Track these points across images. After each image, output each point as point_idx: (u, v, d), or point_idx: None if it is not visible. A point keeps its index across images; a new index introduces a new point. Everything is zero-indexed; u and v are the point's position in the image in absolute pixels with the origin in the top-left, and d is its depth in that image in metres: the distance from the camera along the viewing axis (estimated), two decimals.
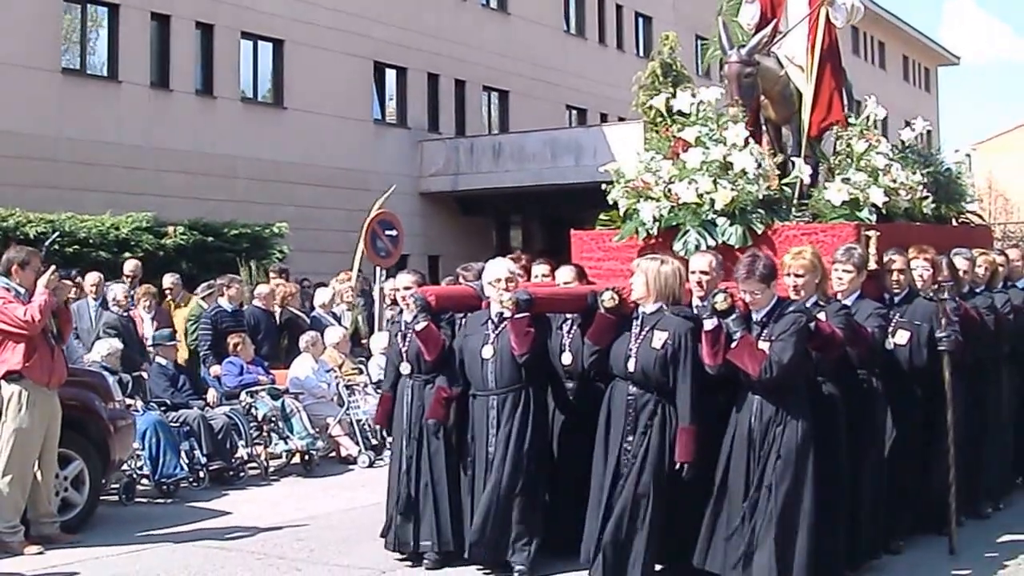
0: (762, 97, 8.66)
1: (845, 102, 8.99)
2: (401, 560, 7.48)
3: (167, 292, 13.68)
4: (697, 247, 7.67)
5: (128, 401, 10.13)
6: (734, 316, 6.40)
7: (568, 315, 7.33)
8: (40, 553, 7.85)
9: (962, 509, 7.85)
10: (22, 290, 8.10)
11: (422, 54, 27.65)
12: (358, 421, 12.03)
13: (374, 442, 11.95)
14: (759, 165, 7.95)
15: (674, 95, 8.61)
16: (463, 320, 7.55)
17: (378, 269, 15.67)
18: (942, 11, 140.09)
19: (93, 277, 12.49)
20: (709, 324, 6.41)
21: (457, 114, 29.25)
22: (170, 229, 17.01)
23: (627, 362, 6.69)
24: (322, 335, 12.79)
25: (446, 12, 28.52)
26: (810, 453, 6.36)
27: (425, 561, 7.34)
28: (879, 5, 45.53)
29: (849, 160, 8.49)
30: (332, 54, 25.18)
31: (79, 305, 11.74)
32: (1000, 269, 9.12)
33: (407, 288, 7.75)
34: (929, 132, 10.16)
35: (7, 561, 7.67)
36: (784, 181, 8.24)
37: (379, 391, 9.32)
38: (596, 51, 33.59)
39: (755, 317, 6.53)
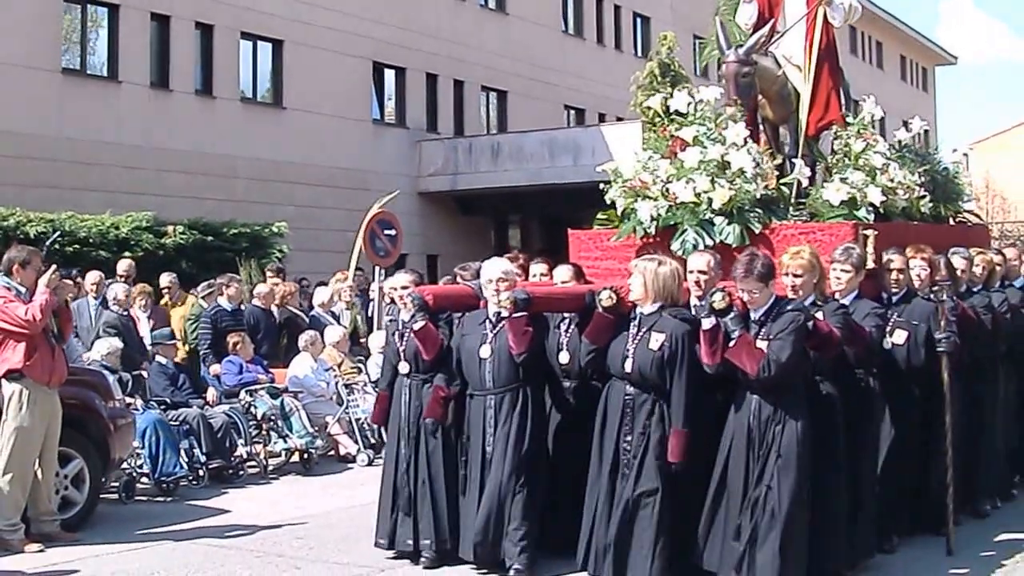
0: (760, 97, 8.69)
1: (842, 102, 9.02)
2: (399, 558, 7.48)
3: (164, 291, 13.69)
4: (695, 246, 7.69)
5: (128, 400, 10.15)
6: (732, 315, 6.40)
7: (566, 314, 7.34)
8: (40, 551, 7.87)
9: (960, 508, 7.87)
10: (23, 289, 8.12)
11: (421, 54, 27.67)
12: (357, 420, 12.05)
13: (373, 441, 11.96)
14: (757, 164, 7.97)
15: (672, 95, 8.63)
16: (460, 320, 7.55)
17: (377, 268, 15.69)
18: (939, 11, 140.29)
19: (93, 276, 12.51)
20: (707, 323, 6.41)
21: (456, 114, 29.26)
22: (170, 229, 17.02)
23: (624, 363, 6.70)
24: (321, 334, 12.82)
25: (445, 12, 28.54)
26: (809, 452, 6.36)
27: (423, 559, 7.34)
28: (876, 5, 45.53)
29: (847, 159, 8.52)
30: (331, 54, 25.20)
31: (79, 304, 11.75)
32: (997, 268, 9.13)
33: (404, 287, 7.74)
34: (926, 132, 10.19)
35: (8, 559, 7.69)
36: (782, 180, 8.27)
37: (378, 390, 9.33)
38: (594, 51, 33.61)
39: (753, 316, 6.53)
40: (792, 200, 8.27)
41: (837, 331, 6.67)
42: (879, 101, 9.16)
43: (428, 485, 7.37)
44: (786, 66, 8.84)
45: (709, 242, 7.73)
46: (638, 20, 35.54)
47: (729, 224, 7.81)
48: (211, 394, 11.58)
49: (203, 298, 13.03)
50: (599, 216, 8.76)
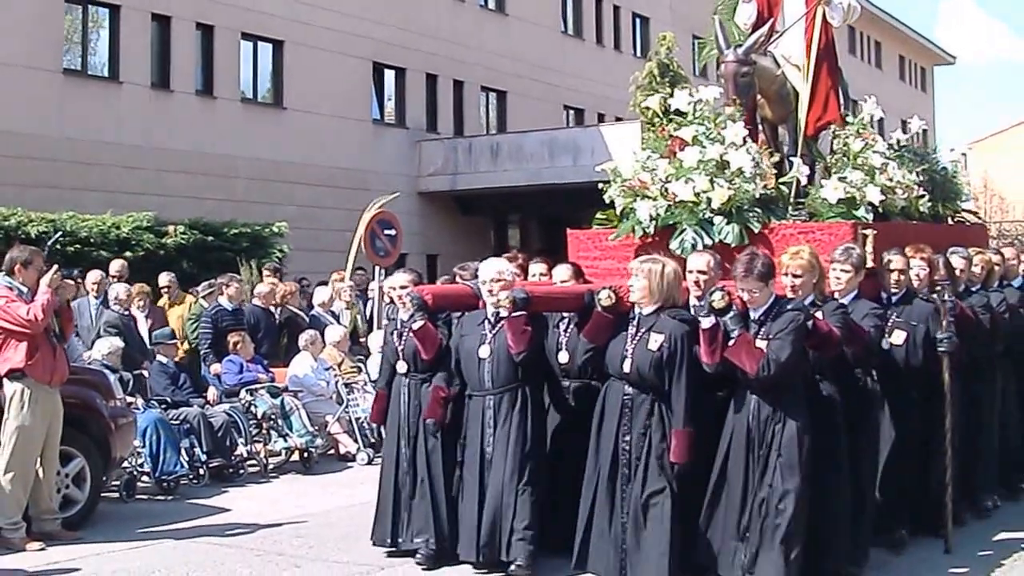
0: (759, 96, 8.70)
1: (841, 101, 9.04)
2: (399, 557, 7.49)
3: (163, 291, 13.71)
4: (694, 246, 7.69)
5: (129, 399, 10.16)
6: (732, 314, 6.40)
7: (565, 314, 7.35)
8: (42, 549, 7.89)
9: (962, 507, 7.90)
10: (25, 289, 8.14)
11: (421, 55, 27.68)
12: (357, 419, 12.07)
13: (372, 440, 11.97)
14: (756, 164, 7.97)
15: (671, 95, 8.64)
16: (459, 320, 7.55)
17: (377, 268, 15.72)
18: (938, 11, 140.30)
19: (94, 276, 12.54)
20: (706, 322, 6.41)
21: (455, 114, 29.28)
22: (170, 228, 17.04)
23: (623, 363, 6.69)
24: (321, 334, 12.84)
25: (444, 13, 28.56)
26: (809, 451, 6.36)
27: (418, 556, 7.34)
28: (875, 5, 45.52)
29: (846, 159, 8.52)
30: (331, 55, 25.22)
31: (79, 303, 11.78)
32: (996, 268, 9.13)
33: (403, 287, 7.74)
34: (925, 131, 10.20)
35: (9, 557, 7.71)
36: (781, 180, 8.27)
37: (375, 388, 9.34)
38: (594, 51, 33.63)
39: (753, 315, 6.53)
40: (791, 199, 8.27)
41: (837, 331, 6.67)
42: (878, 101, 9.17)
43: (427, 484, 7.38)
44: (785, 66, 8.85)
45: (708, 241, 7.73)
46: (637, 20, 35.56)
47: (728, 223, 7.81)
48: (211, 393, 11.60)
49: (204, 298, 13.05)
50: (598, 216, 8.75)
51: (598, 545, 6.74)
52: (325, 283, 15.45)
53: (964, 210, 10.35)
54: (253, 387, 11.68)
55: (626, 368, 6.67)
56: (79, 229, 15.86)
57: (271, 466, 11.25)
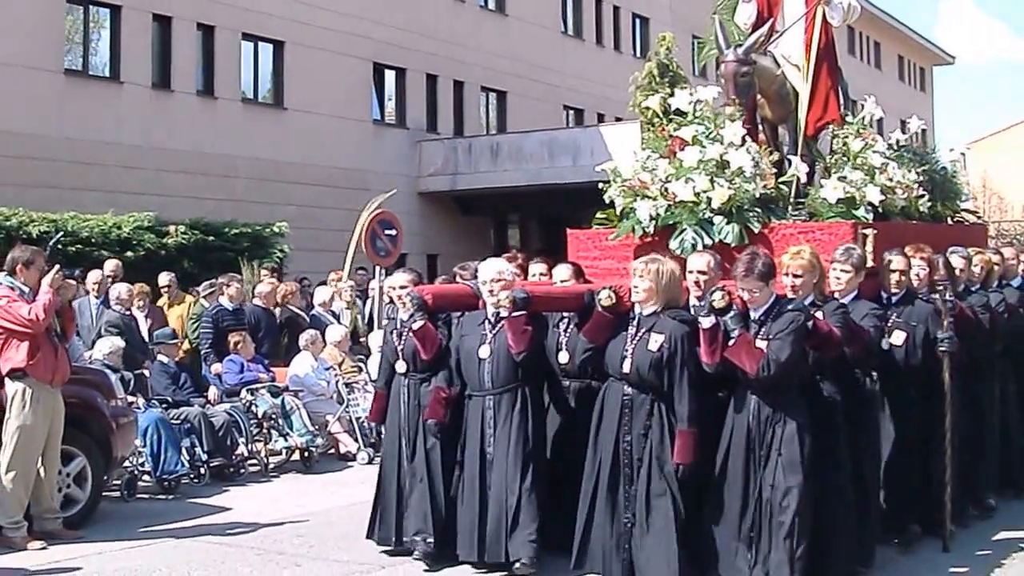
0: (758, 96, 8.71)
1: (841, 101, 9.05)
2: (399, 555, 7.50)
3: (163, 291, 13.72)
4: (694, 245, 7.69)
5: (130, 398, 10.17)
6: (732, 314, 6.40)
7: (565, 314, 7.35)
8: (43, 548, 7.91)
9: (965, 507, 7.93)
10: (26, 289, 8.16)
11: (421, 55, 27.70)
12: (357, 418, 12.08)
13: (373, 439, 11.97)
14: (756, 163, 7.97)
15: (671, 95, 8.65)
16: (459, 320, 7.55)
17: (377, 268, 15.73)
18: (938, 11, 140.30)
19: (95, 275, 12.55)
20: (707, 322, 6.40)
21: (455, 114, 29.29)
22: (171, 228, 17.05)
23: (623, 363, 6.68)
24: (322, 333, 12.85)
25: (444, 13, 28.57)
26: (810, 451, 6.35)
27: (416, 552, 7.33)
28: (875, 5, 45.53)
29: (845, 159, 8.53)
30: (331, 55, 25.23)
31: (80, 303, 11.79)
32: (995, 268, 9.14)
33: (403, 287, 7.74)
34: (924, 131, 10.21)
35: (10, 556, 7.73)
36: (781, 180, 8.28)
37: (375, 387, 9.35)
38: (593, 52, 33.64)
39: (753, 315, 6.52)
40: (791, 199, 8.27)
41: (837, 331, 6.67)
42: (877, 101, 9.18)
43: (427, 483, 7.37)
44: (785, 66, 8.86)
45: (708, 241, 7.74)
46: (637, 21, 35.57)
47: (728, 223, 7.81)
48: (212, 393, 11.62)
49: (204, 297, 13.07)
50: (598, 216, 8.75)
51: (598, 545, 6.72)
52: (325, 283, 15.48)
53: (964, 210, 10.36)
54: (254, 387, 11.70)
55: (626, 368, 6.66)
56: (80, 229, 15.87)
57: (272, 465, 11.27)
